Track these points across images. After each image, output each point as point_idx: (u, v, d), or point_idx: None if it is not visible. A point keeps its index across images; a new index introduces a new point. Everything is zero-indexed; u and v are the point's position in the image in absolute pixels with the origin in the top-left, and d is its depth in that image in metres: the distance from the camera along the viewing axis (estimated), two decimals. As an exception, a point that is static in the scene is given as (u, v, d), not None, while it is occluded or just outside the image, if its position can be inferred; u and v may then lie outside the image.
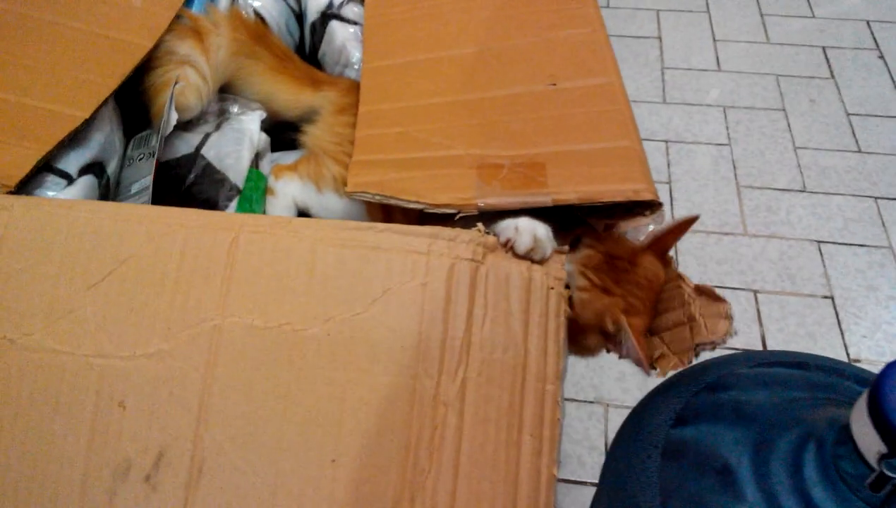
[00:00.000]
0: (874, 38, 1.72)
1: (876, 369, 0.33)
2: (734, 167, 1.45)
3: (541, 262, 0.47)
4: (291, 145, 0.72)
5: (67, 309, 0.45)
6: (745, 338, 1.17)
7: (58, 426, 0.44)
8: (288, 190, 0.66)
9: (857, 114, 1.55)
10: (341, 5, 0.77)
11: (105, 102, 0.57)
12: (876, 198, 1.39)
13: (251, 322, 0.45)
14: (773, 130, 1.53)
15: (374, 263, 0.46)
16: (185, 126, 0.66)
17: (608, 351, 0.55)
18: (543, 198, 0.50)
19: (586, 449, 1.05)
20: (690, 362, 0.50)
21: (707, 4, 1.83)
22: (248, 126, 0.67)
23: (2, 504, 0.43)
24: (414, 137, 0.56)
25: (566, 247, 0.48)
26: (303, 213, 0.67)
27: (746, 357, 0.50)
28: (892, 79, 1.63)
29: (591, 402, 1.10)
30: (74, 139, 0.55)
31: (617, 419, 1.08)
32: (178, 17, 0.67)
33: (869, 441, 0.32)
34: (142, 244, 0.46)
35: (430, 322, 0.44)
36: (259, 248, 0.46)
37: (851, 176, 1.43)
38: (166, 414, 0.44)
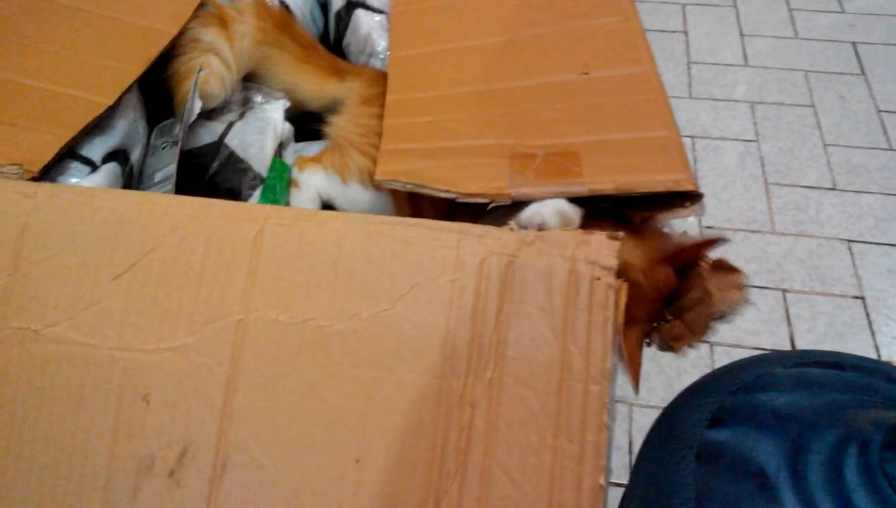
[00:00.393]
0: (906, 34, 1.68)
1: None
2: (762, 164, 1.42)
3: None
4: (315, 136, 0.71)
5: (91, 300, 0.45)
6: (773, 338, 1.15)
7: (81, 419, 0.43)
8: (312, 181, 0.65)
9: (889, 112, 1.52)
10: (367, -7, 0.76)
11: (129, 89, 0.56)
12: (909, 197, 1.36)
13: (276, 317, 0.44)
14: (801, 127, 1.50)
15: (401, 258, 0.44)
16: (208, 114, 0.65)
17: None
18: (579, 188, 0.48)
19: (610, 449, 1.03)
20: (705, 336, 0.49)
21: (734, -2, 1.80)
22: (271, 115, 0.67)
23: (25, 496, 0.43)
24: (443, 127, 0.55)
25: (621, 233, 0.44)
26: (327, 206, 0.66)
27: (782, 356, 0.48)
28: (925, 75, 1.59)
29: (616, 401, 1.08)
30: (98, 126, 0.54)
31: (641, 418, 1.07)
32: (202, 4, 0.66)
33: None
34: (166, 235, 0.45)
35: (458, 319, 0.43)
36: (284, 241, 0.45)
37: (882, 174, 1.40)
38: (190, 410, 0.43)
